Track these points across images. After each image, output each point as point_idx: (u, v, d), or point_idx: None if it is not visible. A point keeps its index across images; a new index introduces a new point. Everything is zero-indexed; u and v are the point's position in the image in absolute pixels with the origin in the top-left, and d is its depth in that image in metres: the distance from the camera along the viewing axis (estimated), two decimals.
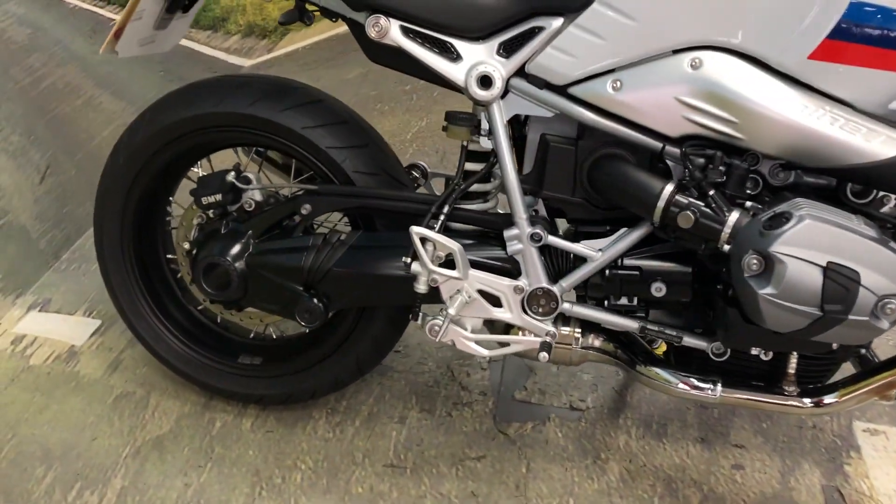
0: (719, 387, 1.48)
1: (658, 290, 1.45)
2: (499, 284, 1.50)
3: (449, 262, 1.47)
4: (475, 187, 1.54)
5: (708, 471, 1.77)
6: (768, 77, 1.25)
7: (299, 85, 1.63)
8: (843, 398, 1.46)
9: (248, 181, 1.63)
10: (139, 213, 1.78)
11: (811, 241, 1.19)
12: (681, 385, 1.51)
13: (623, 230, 1.45)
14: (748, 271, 1.23)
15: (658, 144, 1.34)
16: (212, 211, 1.66)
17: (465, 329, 1.56)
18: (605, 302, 1.51)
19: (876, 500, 1.69)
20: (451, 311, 1.50)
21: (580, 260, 1.48)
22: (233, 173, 1.63)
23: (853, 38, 1.20)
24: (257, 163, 1.76)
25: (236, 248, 1.61)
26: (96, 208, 1.76)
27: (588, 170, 1.41)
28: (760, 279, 1.23)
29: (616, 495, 1.71)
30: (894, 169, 1.22)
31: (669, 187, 1.32)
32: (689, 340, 1.47)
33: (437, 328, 1.52)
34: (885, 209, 1.30)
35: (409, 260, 1.48)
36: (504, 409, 1.93)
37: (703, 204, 1.30)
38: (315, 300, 1.58)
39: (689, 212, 1.30)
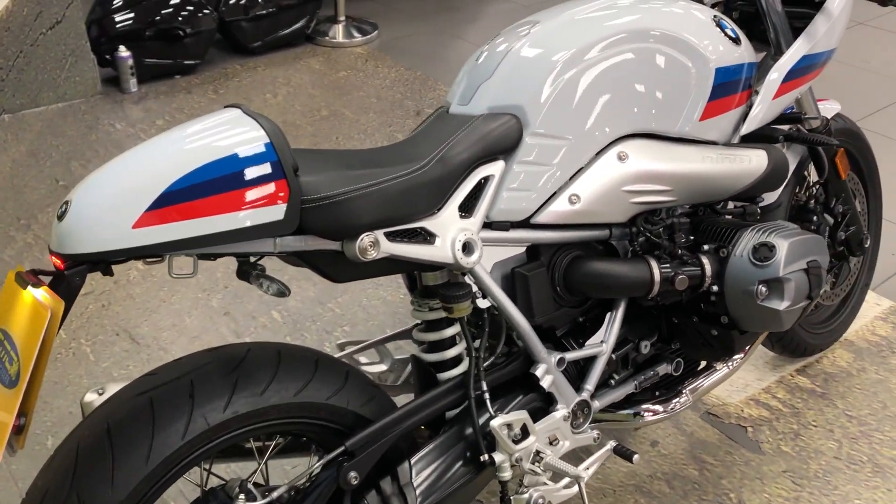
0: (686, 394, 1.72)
1: (645, 347, 1.62)
2: (555, 423, 1.46)
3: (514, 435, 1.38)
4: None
5: None
6: (674, 145, 1.50)
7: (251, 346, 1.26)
8: None
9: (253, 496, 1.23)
10: None
11: (795, 255, 1.49)
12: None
13: (608, 315, 1.55)
14: (761, 297, 1.47)
15: (606, 232, 1.51)
16: None
17: (551, 483, 1.45)
18: (611, 380, 1.60)
19: None
20: (546, 479, 1.41)
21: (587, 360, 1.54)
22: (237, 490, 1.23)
23: (720, 94, 1.53)
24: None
25: None
26: None
27: (564, 281, 1.48)
28: (774, 299, 1.48)
29: None
30: (768, 178, 1.61)
31: (654, 263, 1.48)
32: (663, 370, 1.67)
33: (541, 500, 1.42)
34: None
35: (486, 456, 1.36)
36: None
37: (680, 263, 1.50)
38: None
39: (680, 276, 1.47)
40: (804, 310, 1.52)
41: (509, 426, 1.35)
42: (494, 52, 1.45)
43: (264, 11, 4.12)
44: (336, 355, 1.64)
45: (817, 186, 1.99)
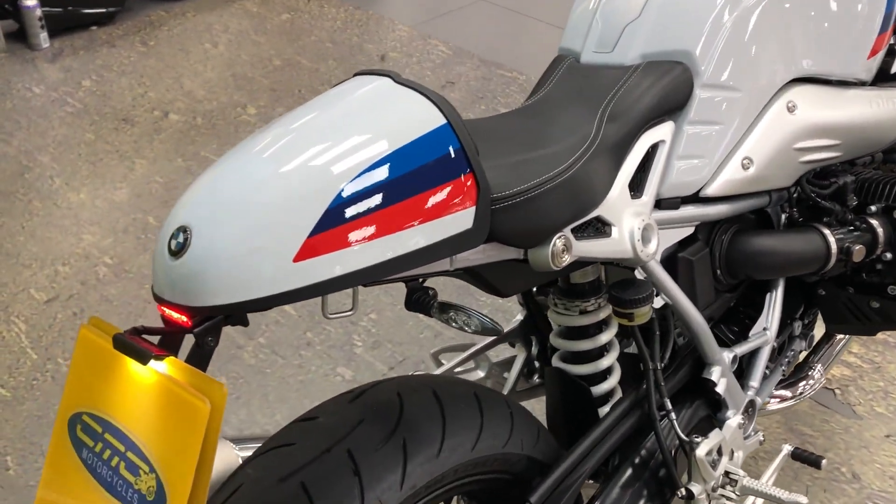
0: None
1: (798, 327, 1.43)
2: (733, 434, 1.23)
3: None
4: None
5: None
6: (841, 89, 1.29)
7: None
8: None
9: None
10: None
11: None
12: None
13: (768, 297, 1.32)
14: None
15: (766, 199, 1.27)
16: None
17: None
18: (766, 370, 1.36)
19: None
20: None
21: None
22: None
23: (885, 27, 1.30)
24: None
25: None
26: None
27: (726, 263, 1.25)
28: None
29: None
30: None
31: (827, 232, 1.27)
32: (798, 346, 1.47)
33: None
34: None
35: (683, 490, 1.13)
36: None
37: (854, 229, 1.30)
38: None
39: (858, 245, 1.27)
40: None
41: (709, 451, 1.11)
42: None
43: None
44: (438, 370, 1.35)
45: None
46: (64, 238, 2.29)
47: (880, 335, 2.04)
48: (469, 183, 0.81)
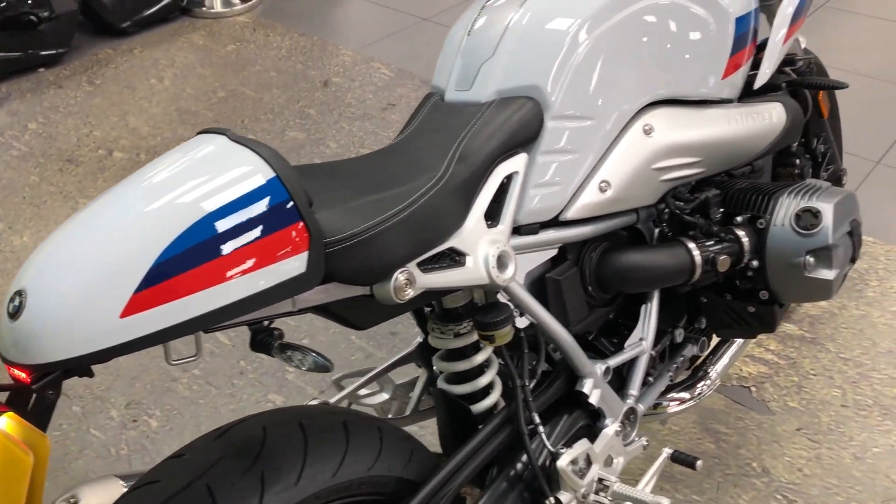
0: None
1: (679, 334, 1.49)
2: (609, 442, 1.29)
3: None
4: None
5: None
6: (698, 109, 1.35)
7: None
8: None
9: None
10: None
11: (841, 218, 1.35)
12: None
13: (644, 309, 1.38)
14: (809, 269, 1.34)
15: (633, 217, 1.34)
16: None
17: None
18: (649, 378, 1.46)
19: None
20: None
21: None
22: None
23: (739, 46, 1.38)
24: None
25: None
26: None
27: (596, 280, 1.31)
28: (822, 269, 1.34)
29: None
30: (789, 130, 1.48)
31: (692, 245, 1.33)
32: (690, 352, 1.54)
33: None
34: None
35: (552, 499, 1.18)
36: None
37: (718, 241, 1.36)
38: None
39: (722, 256, 1.33)
40: (844, 276, 1.42)
41: (574, 461, 1.18)
42: (490, 24, 1.23)
43: None
44: (336, 397, 1.42)
45: None
46: (6, 282, 2.35)
47: (796, 330, 2.11)
48: (300, 230, 0.87)
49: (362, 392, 1.46)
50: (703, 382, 1.59)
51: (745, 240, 1.35)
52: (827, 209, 1.31)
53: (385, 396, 1.48)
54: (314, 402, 1.38)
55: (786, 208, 1.34)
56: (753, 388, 1.97)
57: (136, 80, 3.40)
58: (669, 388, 1.55)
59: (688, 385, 1.58)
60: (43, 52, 3.42)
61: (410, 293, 0.99)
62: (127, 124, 3.09)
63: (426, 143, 1.14)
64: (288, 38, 3.72)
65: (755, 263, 1.36)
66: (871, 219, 2.50)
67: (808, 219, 1.32)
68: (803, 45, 1.94)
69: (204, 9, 3.95)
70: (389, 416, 1.47)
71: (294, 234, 0.87)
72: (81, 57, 3.56)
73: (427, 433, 1.69)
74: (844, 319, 2.15)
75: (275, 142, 2.95)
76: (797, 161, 1.85)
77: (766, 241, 1.35)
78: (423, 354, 1.42)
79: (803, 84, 1.57)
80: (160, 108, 3.19)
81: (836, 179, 1.99)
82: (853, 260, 1.40)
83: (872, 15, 3.76)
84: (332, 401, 1.40)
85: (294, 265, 0.87)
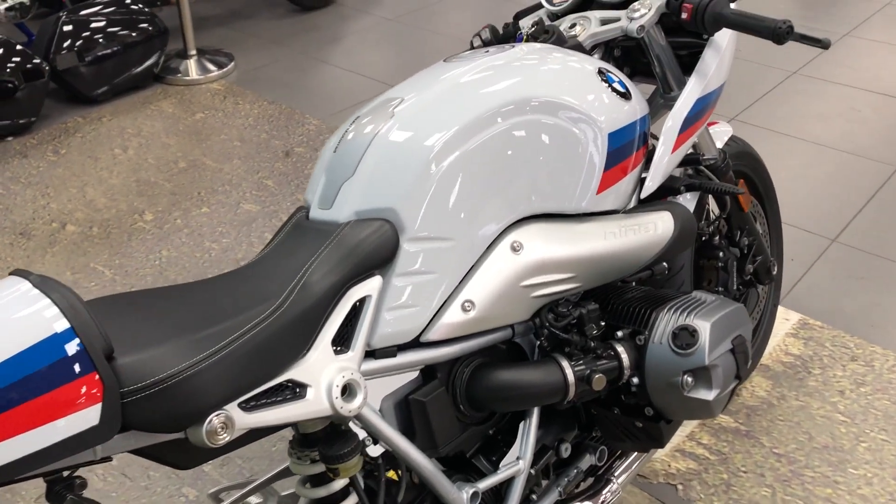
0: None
1: (566, 449, 1.44)
2: None
3: None
4: None
5: None
6: (572, 223, 1.31)
7: None
8: None
9: None
10: None
11: (719, 336, 1.32)
12: None
13: (521, 426, 1.34)
14: (688, 388, 1.30)
15: (508, 332, 1.31)
16: None
17: None
18: (532, 496, 1.41)
19: None
20: None
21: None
22: None
23: (616, 160, 1.35)
24: None
25: None
26: None
27: (467, 399, 1.27)
28: (701, 389, 1.31)
29: None
30: (676, 241, 1.42)
31: (565, 363, 1.29)
32: (587, 462, 1.50)
33: None
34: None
35: None
36: None
37: (595, 358, 1.32)
38: None
39: (597, 375, 1.29)
40: (732, 392, 1.37)
41: None
42: (354, 141, 1.22)
43: (104, 52, 3.73)
44: None
45: (719, 220, 1.86)
46: None
47: (731, 422, 2.06)
48: (93, 382, 0.85)
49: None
50: (606, 489, 1.54)
51: (625, 356, 1.32)
52: (704, 328, 1.28)
53: None
54: None
55: (664, 324, 1.31)
56: (680, 487, 1.91)
57: (100, 149, 3.43)
58: (571, 498, 1.51)
59: (590, 494, 1.53)
60: (13, 122, 3.47)
61: (226, 437, 0.96)
62: (84, 196, 3.11)
63: (274, 268, 1.12)
64: (257, 106, 3.74)
65: (636, 380, 1.32)
66: (821, 302, 2.45)
67: (684, 337, 1.28)
68: (728, 136, 1.92)
69: (178, 76, 4.00)
70: None
71: (85, 386, 0.85)
72: (50, 125, 3.60)
73: None
74: (783, 411, 2.09)
75: (229, 214, 2.96)
76: (720, 254, 1.81)
77: (645, 358, 1.31)
78: None
79: (696, 188, 1.54)
80: (120, 178, 3.21)
81: (766, 270, 1.95)
82: (738, 378, 1.35)
83: (840, 82, 3.74)
84: None
85: (87, 417, 0.85)
